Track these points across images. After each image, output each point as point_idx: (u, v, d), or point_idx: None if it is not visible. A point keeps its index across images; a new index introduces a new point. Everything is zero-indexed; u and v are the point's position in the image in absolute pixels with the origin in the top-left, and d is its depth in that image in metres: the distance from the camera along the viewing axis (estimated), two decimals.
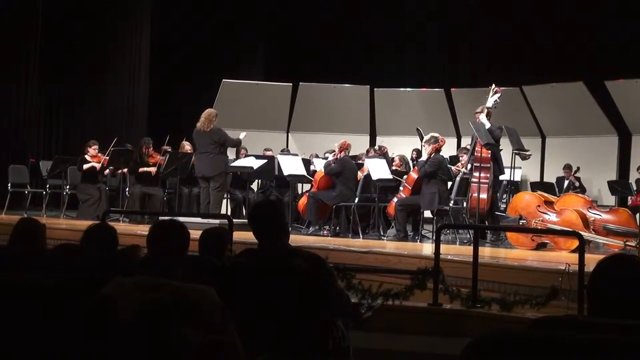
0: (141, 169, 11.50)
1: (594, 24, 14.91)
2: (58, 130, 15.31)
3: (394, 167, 10.82)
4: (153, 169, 11.47)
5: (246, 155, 11.81)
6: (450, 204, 9.78)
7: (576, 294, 5.39)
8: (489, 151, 9.30)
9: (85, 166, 11.60)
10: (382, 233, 10.29)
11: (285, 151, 12.90)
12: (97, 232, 4.01)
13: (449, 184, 10.34)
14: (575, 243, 7.75)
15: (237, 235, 6.56)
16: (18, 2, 13.94)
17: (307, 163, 11.56)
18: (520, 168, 11.88)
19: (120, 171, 11.78)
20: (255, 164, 11.25)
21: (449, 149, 11.56)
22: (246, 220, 4.48)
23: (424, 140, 9.99)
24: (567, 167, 13.13)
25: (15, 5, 13.87)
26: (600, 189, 13.41)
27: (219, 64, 16.17)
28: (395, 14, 16.69)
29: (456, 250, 8.06)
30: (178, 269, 2.93)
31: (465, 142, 12.49)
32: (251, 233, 3.75)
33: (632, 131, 13.46)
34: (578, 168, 13.08)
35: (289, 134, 15.23)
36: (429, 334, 5.46)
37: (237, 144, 11.00)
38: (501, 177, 10.18)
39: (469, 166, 9.97)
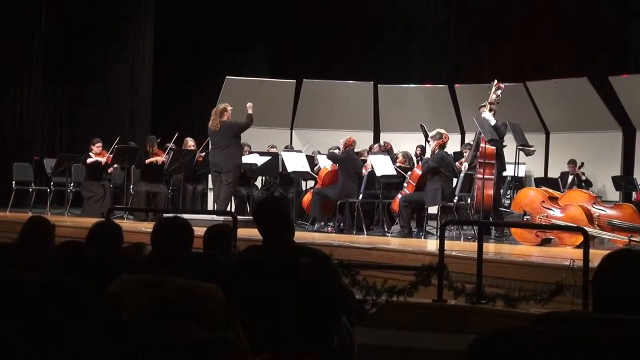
0: (148, 160, 11.54)
1: (598, 20, 14.88)
2: (62, 128, 15.36)
3: (397, 164, 10.82)
4: (160, 159, 11.51)
5: (250, 152, 11.82)
6: (454, 200, 9.78)
7: (581, 290, 5.39)
8: (494, 147, 9.30)
9: (89, 160, 11.63)
10: (386, 229, 10.29)
11: (289, 148, 12.90)
12: (102, 229, 4.01)
13: (454, 180, 10.33)
14: (579, 239, 7.75)
15: (242, 232, 6.57)
16: (21, 2, 13.96)
17: (310, 160, 11.56)
18: (524, 164, 11.86)
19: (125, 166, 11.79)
20: (259, 160, 11.26)
21: (452, 145, 11.55)
22: (250, 217, 4.48)
23: (429, 136, 9.99)
24: (572, 162, 13.14)
25: (18, 5, 13.89)
26: (604, 185, 13.39)
27: (222, 61, 16.18)
28: (399, 10, 16.67)
29: (460, 247, 8.05)
30: (182, 266, 2.93)
31: (469, 138, 12.49)
32: (255, 230, 3.74)
33: (636, 126, 13.44)
34: (582, 163, 13.08)
35: (293, 131, 15.22)
36: (433, 330, 5.46)
37: (250, 121, 10.57)
38: (505, 173, 10.18)
39: (466, 163, 10.02)
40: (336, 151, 10.80)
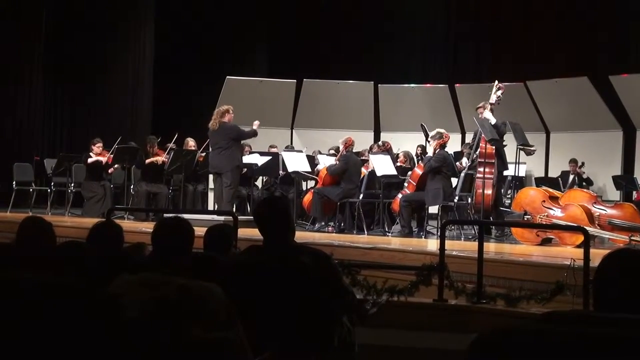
0: (148, 160, 11.54)
1: (598, 19, 14.87)
2: (62, 128, 15.35)
3: (398, 164, 10.81)
4: (160, 159, 11.52)
5: (250, 152, 11.82)
6: (455, 200, 9.78)
7: (581, 289, 5.38)
8: (494, 147, 9.30)
9: (90, 160, 11.64)
10: (387, 229, 10.29)
11: (290, 148, 12.90)
12: (102, 229, 4.01)
13: (454, 180, 10.33)
14: (580, 238, 7.75)
15: (242, 232, 6.56)
16: (21, 2, 13.96)
17: (311, 160, 11.56)
18: (524, 163, 11.87)
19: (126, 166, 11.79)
20: (260, 160, 11.26)
21: (453, 145, 11.55)
22: (251, 217, 4.48)
23: (430, 135, 9.99)
24: (573, 162, 13.15)
25: (18, 5, 13.89)
26: (605, 184, 13.40)
27: (222, 61, 16.18)
28: (399, 10, 16.67)
29: (461, 246, 8.04)
30: (183, 266, 2.93)
31: (469, 138, 12.49)
32: (256, 230, 3.75)
33: (637, 126, 13.45)
34: (583, 163, 13.08)
35: (293, 131, 15.23)
36: (434, 330, 5.45)
37: (252, 134, 10.72)
38: (505, 173, 10.18)
39: (465, 160, 10.01)
40: (332, 161, 10.76)
